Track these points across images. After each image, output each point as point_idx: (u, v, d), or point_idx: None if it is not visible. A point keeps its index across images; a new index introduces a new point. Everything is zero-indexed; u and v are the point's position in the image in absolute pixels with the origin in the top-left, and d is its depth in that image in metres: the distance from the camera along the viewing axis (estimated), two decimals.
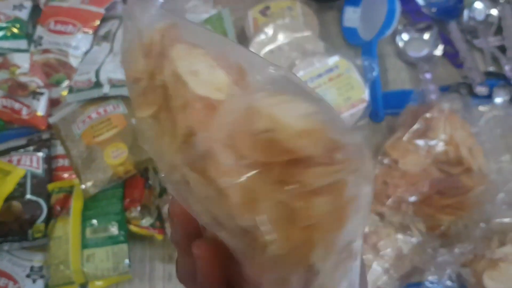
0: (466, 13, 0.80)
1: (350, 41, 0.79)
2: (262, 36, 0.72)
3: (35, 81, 0.70)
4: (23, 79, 0.69)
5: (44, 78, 0.71)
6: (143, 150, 0.64)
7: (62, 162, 0.69)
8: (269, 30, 0.72)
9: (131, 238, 0.63)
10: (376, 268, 0.58)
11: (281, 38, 0.72)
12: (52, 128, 0.70)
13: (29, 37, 0.77)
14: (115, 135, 0.66)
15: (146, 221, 0.63)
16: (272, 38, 0.72)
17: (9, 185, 0.65)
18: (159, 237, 0.64)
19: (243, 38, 0.76)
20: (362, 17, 0.79)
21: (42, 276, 0.62)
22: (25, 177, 0.66)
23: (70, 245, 0.61)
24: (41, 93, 0.70)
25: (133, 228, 0.63)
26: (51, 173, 0.68)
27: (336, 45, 0.79)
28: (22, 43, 0.77)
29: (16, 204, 0.65)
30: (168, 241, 0.65)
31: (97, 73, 0.69)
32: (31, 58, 0.71)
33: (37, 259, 0.63)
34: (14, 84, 0.70)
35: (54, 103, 0.72)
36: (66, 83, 0.73)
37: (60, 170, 0.69)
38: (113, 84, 0.69)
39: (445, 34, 0.80)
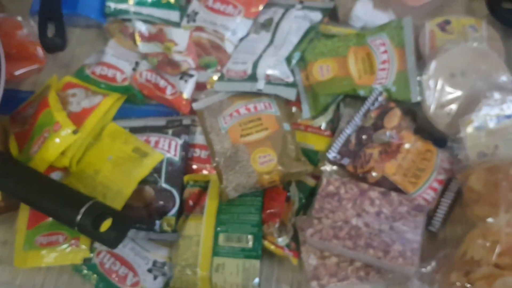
0: None
1: None
2: (446, 56, 0.62)
3: (188, 62, 0.65)
4: (176, 57, 0.64)
5: (196, 59, 0.66)
6: (291, 161, 0.58)
7: (199, 152, 0.64)
8: (455, 50, 0.62)
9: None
10: None
11: (465, 62, 0.62)
12: (196, 115, 0.65)
13: (182, 9, 0.72)
14: (265, 138, 0.59)
15: (283, 240, 0.57)
16: (456, 60, 0.62)
17: (146, 168, 0.61)
18: (294, 261, 0.57)
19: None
20: None
21: (164, 274, 0.57)
22: (161, 162, 0.61)
23: (201, 248, 0.56)
24: (191, 75, 0.65)
25: (267, 244, 0.57)
26: (186, 162, 0.63)
27: None
28: (175, 15, 0.72)
29: (148, 189, 0.60)
30: (299, 266, 0.58)
31: (254, 65, 0.63)
32: (190, 36, 0.65)
33: (161, 254, 0.58)
34: (165, 59, 0.66)
35: (199, 87, 0.67)
36: (215, 68, 0.67)
37: (195, 161, 0.64)
38: (269, 81, 0.63)
39: None
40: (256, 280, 0.55)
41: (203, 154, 0.64)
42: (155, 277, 0.57)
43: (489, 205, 0.51)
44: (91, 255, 0.58)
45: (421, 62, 0.65)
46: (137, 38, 0.67)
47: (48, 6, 0.69)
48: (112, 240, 0.48)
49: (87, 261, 0.58)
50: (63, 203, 0.50)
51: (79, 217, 0.48)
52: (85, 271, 0.58)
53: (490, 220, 0.49)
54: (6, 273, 0.61)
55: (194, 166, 0.64)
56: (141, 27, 0.67)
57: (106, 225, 0.49)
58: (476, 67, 0.62)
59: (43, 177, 0.54)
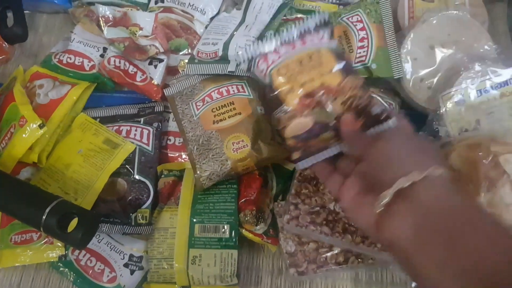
0: None
1: None
2: (424, 27, 0.59)
3: (156, 46, 0.61)
4: (143, 42, 0.61)
5: (165, 43, 0.63)
6: (266, 145, 0.55)
7: (173, 140, 0.62)
8: (434, 21, 0.59)
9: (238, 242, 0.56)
10: None
11: (445, 32, 0.59)
12: (168, 101, 0.62)
13: None
14: (238, 124, 0.57)
15: (260, 228, 0.56)
16: (435, 31, 0.59)
17: (117, 160, 0.59)
18: (272, 248, 0.56)
19: (394, 24, 0.63)
20: None
21: (141, 268, 0.56)
22: (133, 152, 0.59)
23: (176, 241, 0.55)
24: (160, 60, 0.62)
25: (245, 233, 0.55)
26: (160, 151, 0.61)
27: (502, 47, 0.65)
28: None
29: (121, 182, 0.58)
30: (279, 253, 0.57)
31: (225, 46, 0.60)
32: (155, 19, 0.62)
33: (138, 248, 0.57)
34: (132, 45, 0.63)
35: (171, 72, 0.64)
36: (186, 50, 0.64)
37: (169, 148, 0.62)
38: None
39: None
40: (234, 270, 0.53)
41: (178, 141, 0.62)
42: (132, 272, 0.56)
43: (469, 184, 0.49)
44: (66, 251, 0.57)
45: (399, 34, 0.62)
46: (102, 24, 0.64)
47: None
48: (79, 240, 0.46)
49: (62, 258, 0.57)
50: (27, 203, 0.48)
51: (44, 217, 0.47)
52: (61, 268, 0.57)
53: None
54: None
55: (170, 155, 0.62)
56: (105, 12, 0.64)
57: (73, 225, 0.47)
58: (456, 37, 0.59)
59: (5, 177, 0.52)
